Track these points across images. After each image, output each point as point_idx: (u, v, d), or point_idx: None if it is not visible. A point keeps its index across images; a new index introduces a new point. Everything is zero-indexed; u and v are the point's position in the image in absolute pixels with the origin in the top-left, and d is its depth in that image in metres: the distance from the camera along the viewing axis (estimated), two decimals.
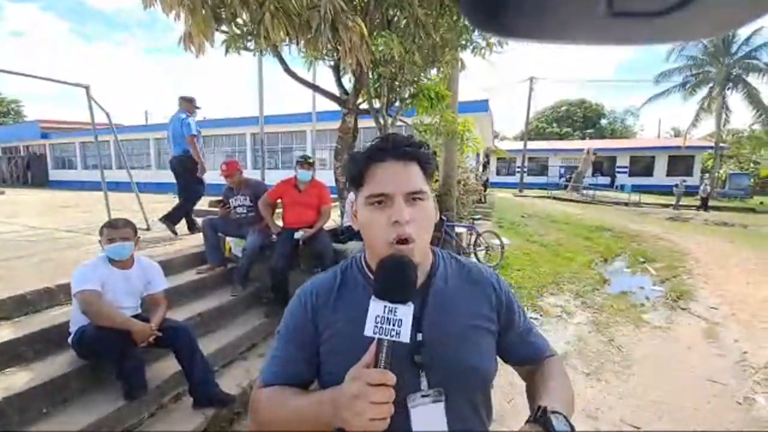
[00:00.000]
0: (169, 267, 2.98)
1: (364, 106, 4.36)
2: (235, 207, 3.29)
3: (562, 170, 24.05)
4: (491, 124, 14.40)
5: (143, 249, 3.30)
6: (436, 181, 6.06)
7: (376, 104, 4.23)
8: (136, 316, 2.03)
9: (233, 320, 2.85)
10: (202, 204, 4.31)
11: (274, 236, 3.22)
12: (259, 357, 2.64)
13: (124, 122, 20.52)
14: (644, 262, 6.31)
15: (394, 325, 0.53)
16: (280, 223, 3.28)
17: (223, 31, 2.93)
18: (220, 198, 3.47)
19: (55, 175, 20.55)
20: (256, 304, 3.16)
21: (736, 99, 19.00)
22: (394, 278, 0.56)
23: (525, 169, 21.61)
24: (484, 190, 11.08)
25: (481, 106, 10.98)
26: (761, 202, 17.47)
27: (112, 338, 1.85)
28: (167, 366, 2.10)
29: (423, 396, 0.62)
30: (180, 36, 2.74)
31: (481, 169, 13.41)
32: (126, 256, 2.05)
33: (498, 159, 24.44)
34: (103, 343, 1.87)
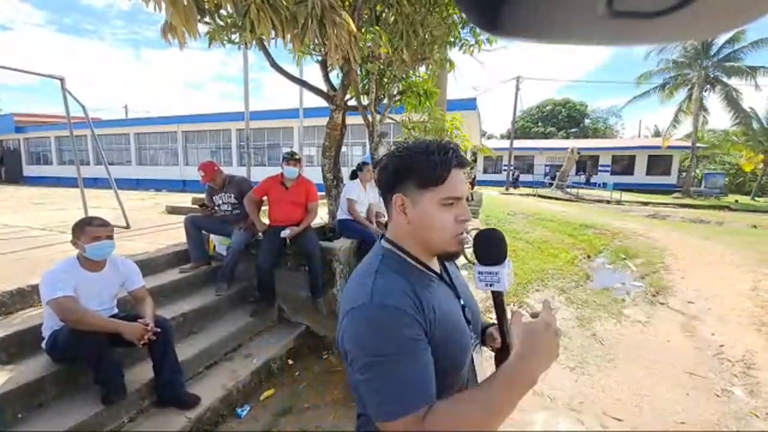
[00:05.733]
0: (150, 266, 2.89)
1: (353, 102, 4.32)
2: (219, 205, 3.21)
3: (548, 168, 24.51)
4: (479, 122, 14.52)
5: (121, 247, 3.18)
6: None
7: (365, 101, 4.19)
8: (113, 317, 1.96)
9: (218, 320, 2.79)
10: (185, 201, 4.20)
11: (260, 234, 3.16)
12: (245, 358, 2.59)
13: (102, 116, 19.82)
14: (625, 259, 6.48)
15: (509, 277, 0.70)
16: (266, 220, 3.22)
17: (207, 23, 2.83)
18: (202, 200, 3.35)
19: (30, 170, 19.73)
20: (242, 303, 3.10)
21: (714, 100, 19.69)
22: (504, 245, 0.71)
23: (512, 168, 21.91)
24: (471, 188, 11.17)
25: (469, 104, 11.05)
26: (736, 200, 18.23)
27: (86, 341, 1.78)
28: (147, 369, 2.04)
29: (473, 344, 0.78)
30: (160, 26, 2.64)
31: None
32: (108, 255, 1.97)
33: (485, 157, 24.70)
34: (78, 347, 1.80)
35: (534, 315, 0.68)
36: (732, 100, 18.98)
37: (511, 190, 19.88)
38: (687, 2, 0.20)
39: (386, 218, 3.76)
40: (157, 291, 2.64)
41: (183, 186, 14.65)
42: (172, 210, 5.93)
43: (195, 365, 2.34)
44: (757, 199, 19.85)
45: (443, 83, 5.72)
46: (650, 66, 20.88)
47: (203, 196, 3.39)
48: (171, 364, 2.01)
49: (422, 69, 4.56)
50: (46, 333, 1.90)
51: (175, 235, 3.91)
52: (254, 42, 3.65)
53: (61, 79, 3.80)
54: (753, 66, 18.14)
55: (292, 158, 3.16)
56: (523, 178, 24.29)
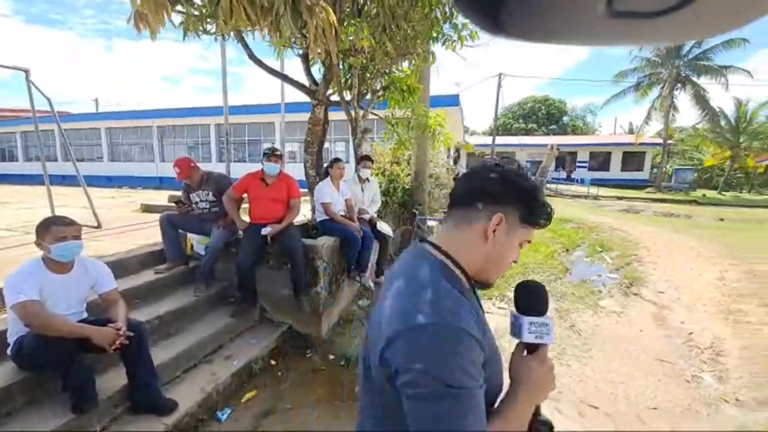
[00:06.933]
0: (123, 267, 2.77)
1: (336, 98, 4.26)
2: (196, 203, 3.10)
3: (528, 164, 25.04)
4: (462, 118, 14.64)
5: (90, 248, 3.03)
6: (408, 174, 6.08)
7: (347, 96, 4.14)
8: (82, 322, 1.87)
9: (197, 322, 2.70)
10: (161, 198, 4.05)
11: (240, 232, 3.08)
12: (225, 359, 2.52)
13: (71, 110, 18.85)
14: (601, 252, 6.71)
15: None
16: (246, 218, 3.14)
17: (180, 12, 2.71)
18: (179, 197, 3.23)
19: None
20: (222, 303, 3.02)
21: (684, 99, 20.52)
22: (547, 295, 0.72)
23: None
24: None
25: (452, 100, 11.11)
26: (704, 195, 19.15)
27: (54, 347, 1.69)
28: (121, 374, 1.95)
29: None
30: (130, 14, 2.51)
31: (452, 163, 13.63)
32: (75, 256, 1.87)
33: (468, 154, 24.99)
34: (45, 353, 1.70)
35: (530, 350, 0.68)
36: (701, 98, 19.86)
37: None
38: (687, 2, 0.20)
39: (369, 215, 3.71)
40: (131, 293, 2.53)
41: (159, 183, 14.13)
42: (147, 208, 5.71)
43: (172, 369, 2.27)
44: (723, 193, 20.91)
45: (426, 79, 5.71)
46: (630, 64, 21.50)
47: (180, 193, 3.27)
48: (146, 368, 1.94)
49: (405, 64, 4.54)
50: (11, 339, 1.79)
51: (150, 235, 3.76)
52: (232, 33, 3.53)
53: (26, 71, 3.57)
54: (723, 65, 19.00)
55: (272, 154, 3.08)
56: None
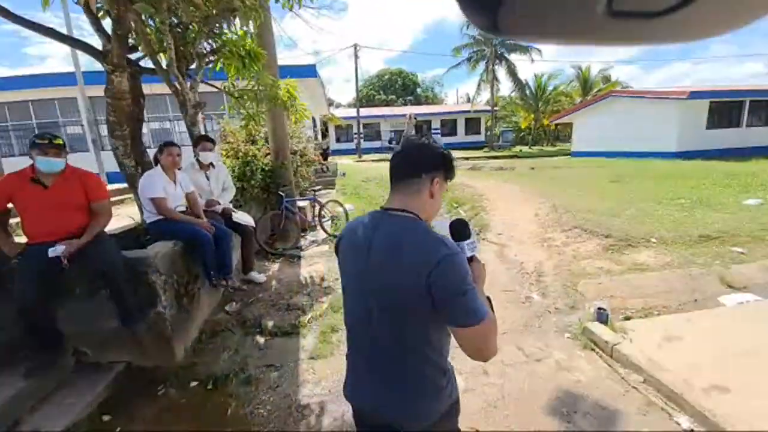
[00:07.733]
0: None
1: (149, 64, 3.32)
2: None
3: (393, 134, 26.72)
4: (323, 91, 14.20)
5: None
6: (268, 154, 5.49)
7: (163, 61, 3.28)
8: None
9: None
10: None
11: (14, 261, 2.14)
12: None
13: None
14: (457, 207, 7.72)
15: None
16: (22, 238, 2.19)
17: None
18: None
19: None
20: (6, 364, 2.09)
21: (502, 72, 25.09)
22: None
23: (361, 135, 22.88)
24: (324, 159, 11.04)
25: (309, 70, 10.55)
26: (520, 150, 24.40)
27: None
28: None
29: None
30: None
31: (320, 137, 13.22)
32: None
33: (336, 127, 24.89)
34: None
35: (469, 260, 1.01)
36: (512, 72, 24.62)
37: (365, 157, 20.84)
38: (687, 2, 0.20)
39: (223, 205, 3.13)
40: None
41: None
42: None
43: None
44: (532, 147, 27.10)
45: (271, 44, 5.09)
46: (462, 40, 24.69)
47: None
48: None
49: (238, 26, 3.87)
50: None
51: None
52: None
53: None
54: (527, 45, 23.76)
55: (50, 145, 2.16)
56: (372, 144, 25.79)
